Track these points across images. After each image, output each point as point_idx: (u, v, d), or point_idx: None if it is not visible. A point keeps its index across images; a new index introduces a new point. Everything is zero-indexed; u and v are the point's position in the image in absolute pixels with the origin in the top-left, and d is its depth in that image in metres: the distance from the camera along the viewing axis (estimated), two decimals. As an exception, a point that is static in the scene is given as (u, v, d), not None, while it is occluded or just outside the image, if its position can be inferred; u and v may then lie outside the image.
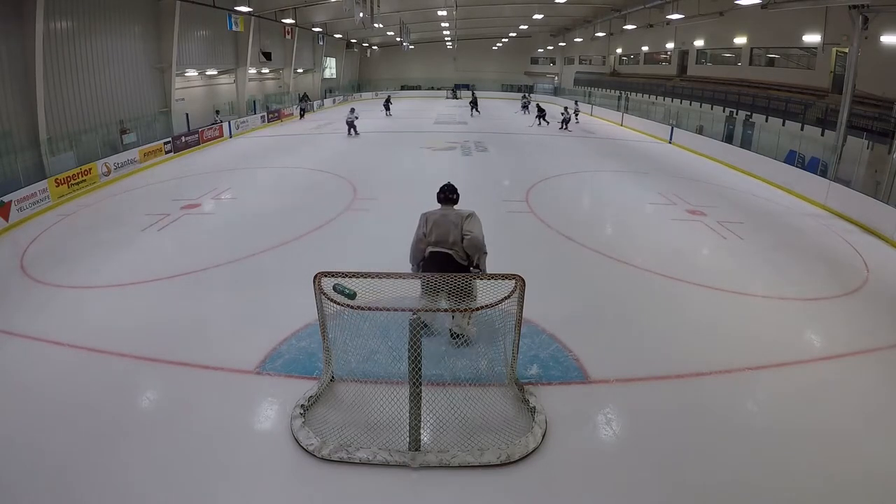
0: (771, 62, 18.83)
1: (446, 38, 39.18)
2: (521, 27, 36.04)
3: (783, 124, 15.07)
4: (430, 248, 4.83)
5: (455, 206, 5.05)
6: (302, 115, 27.77)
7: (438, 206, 5.06)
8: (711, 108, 19.59)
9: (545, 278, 6.68)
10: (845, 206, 10.31)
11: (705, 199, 11.26)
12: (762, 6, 14.83)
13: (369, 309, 4.16)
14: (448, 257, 4.73)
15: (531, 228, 9.12)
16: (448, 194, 5.01)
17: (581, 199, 11.64)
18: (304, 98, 31.01)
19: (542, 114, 24.06)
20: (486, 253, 4.89)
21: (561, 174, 13.47)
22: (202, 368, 4.91)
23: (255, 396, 4.55)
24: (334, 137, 20.44)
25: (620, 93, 27.60)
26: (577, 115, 24.62)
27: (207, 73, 22.11)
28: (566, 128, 22.80)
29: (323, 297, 4.06)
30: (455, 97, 40.35)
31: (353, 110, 20.74)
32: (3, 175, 10.69)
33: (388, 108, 28.23)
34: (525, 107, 29.76)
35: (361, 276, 3.99)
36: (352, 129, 20.09)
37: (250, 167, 14.79)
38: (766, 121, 15.89)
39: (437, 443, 3.89)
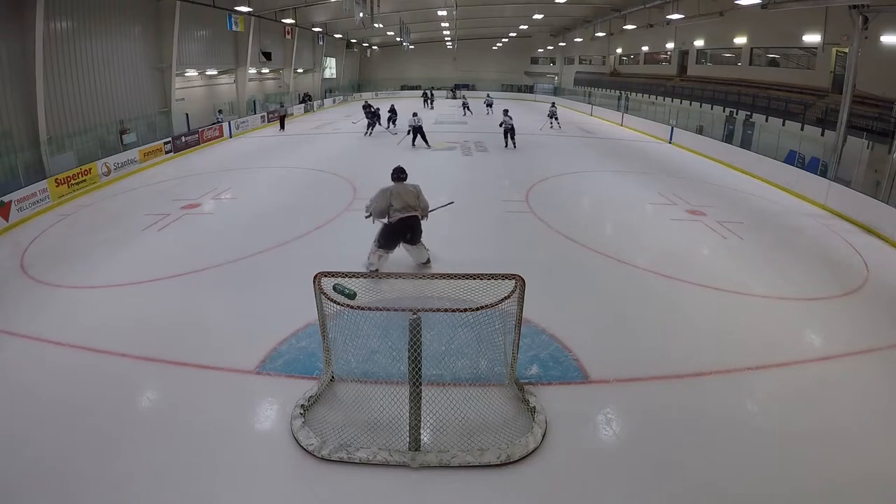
0: (771, 62, 18.83)
1: (446, 38, 39.16)
2: (521, 27, 36.02)
3: (783, 124, 15.06)
4: (399, 215, 6.45)
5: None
6: (282, 125, 23.03)
7: (392, 183, 6.67)
8: (711, 108, 19.57)
9: (545, 278, 6.69)
10: (845, 206, 10.31)
11: (705, 199, 11.26)
12: (762, 6, 14.81)
13: (369, 309, 4.17)
14: (415, 218, 6.61)
15: (531, 228, 9.12)
16: (400, 174, 6.69)
17: (581, 199, 11.64)
18: (304, 98, 30.80)
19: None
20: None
21: (561, 174, 13.47)
22: (202, 368, 4.91)
23: (255, 396, 4.56)
24: (334, 137, 20.44)
25: (620, 93, 27.58)
26: (553, 118, 22.52)
27: (207, 73, 22.11)
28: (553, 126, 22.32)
29: (323, 297, 4.07)
30: (454, 97, 40.36)
31: (415, 115, 17.80)
32: (3, 175, 10.69)
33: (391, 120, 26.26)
34: (488, 105, 29.45)
35: (361, 276, 4.00)
36: (418, 137, 17.39)
37: (250, 167, 14.78)
38: (766, 121, 15.88)
39: (437, 443, 3.89)
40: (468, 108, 29.63)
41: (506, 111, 18.27)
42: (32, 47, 11.91)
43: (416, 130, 17.41)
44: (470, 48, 42.92)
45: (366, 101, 20.60)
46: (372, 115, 20.28)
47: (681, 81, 24.06)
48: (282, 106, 25.08)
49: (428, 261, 7.01)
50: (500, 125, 17.65)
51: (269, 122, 24.55)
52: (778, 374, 4.94)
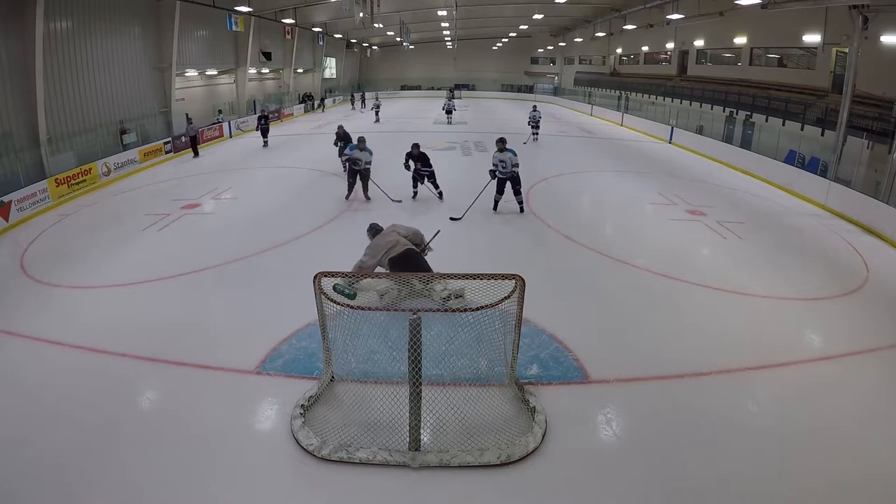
0: (771, 62, 18.82)
1: (446, 38, 39.16)
2: (521, 27, 36.07)
3: (783, 124, 15.06)
4: (391, 255, 5.85)
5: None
6: (195, 151, 16.62)
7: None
8: (711, 108, 19.57)
9: (545, 278, 6.69)
10: (845, 206, 10.31)
11: (705, 199, 11.25)
12: (762, 6, 14.81)
13: (369, 309, 4.17)
14: (405, 252, 5.92)
15: (531, 228, 9.12)
16: (375, 229, 6.42)
17: (581, 199, 11.64)
18: (304, 98, 30.67)
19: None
20: (424, 236, 6.45)
21: (561, 174, 13.47)
22: (202, 368, 4.91)
23: (255, 396, 4.55)
24: (334, 137, 20.39)
25: (620, 93, 27.57)
26: (535, 126, 18.68)
27: (207, 73, 22.12)
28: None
29: (323, 297, 4.07)
30: (453, 97, 40.48)
31: (360, 143, 10.37)
32: (3, 175, 10.69)
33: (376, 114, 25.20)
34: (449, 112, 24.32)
35: (362, 276, 3.99)
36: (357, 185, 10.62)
37: (250, 167, 14.79)
38: (766, 121, 15.88)
39: (437, 443, 3.89)
40: (378, 112, 25.55)
41: (414, 154, 10.29)
42: (32, 47, 11.90)
43: (354, 170, 10.39)
44: (470, 48, 42.92)
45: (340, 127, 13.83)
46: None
47: (681, 81, 24.06)
48: (190, 123, 16.80)
49: (456, 296, 5.76)
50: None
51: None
52: (778, 374, 4.94)
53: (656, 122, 21.44)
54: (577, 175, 13.59)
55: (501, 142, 9.63)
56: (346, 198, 10.68)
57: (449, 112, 24.37)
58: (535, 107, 20.28)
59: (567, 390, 4.63)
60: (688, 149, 17.98)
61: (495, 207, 9.86)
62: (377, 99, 29.13)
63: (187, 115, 17.72)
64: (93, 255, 7.96)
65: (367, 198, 10.68)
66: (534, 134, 18.88)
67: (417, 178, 10.59)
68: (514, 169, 9.44)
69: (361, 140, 10.34)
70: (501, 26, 37.02)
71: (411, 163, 10.34)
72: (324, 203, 10.55)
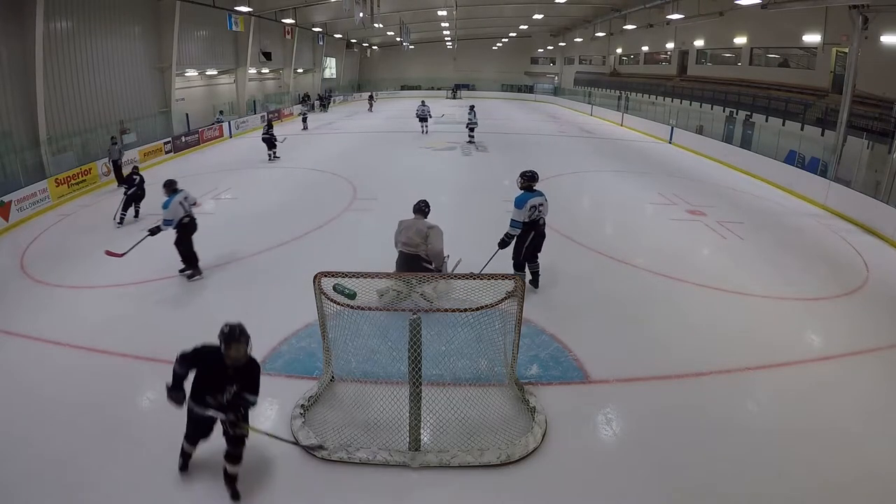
0: (771, 62, 18.83)
1: (446, 38, 39.18)
2: (521, 27, 36.06)
3: (783, 124, 15.06)
4: (400, 248, 6.01)
5: (425, 218, 6.16)
6: (119, 179, 12.24)
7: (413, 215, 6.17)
8: (711, 108, 19.57)
9: (545, 278, 6.68)
10: (845, 206, 10.31)
11: (705, 199, 11.25)
12: (762, 6, 14.82)
13: (369, 309, 4.17)
14: (415, 257, 5.88)
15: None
16: (421, 206, 6.21)
17: (581, 199, 11.63)
18: (303, 98, 30.53)
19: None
20: (446, 257, 6.28)
21: (561, 174, 13.46)
22: (202, 368, 4.90)
23: (255, 396, 4.55)
24: (334, 137, 20.43)
25: (620, 93, 27.56)
26: (471, 130, 17.50)
27: (207, 73, 22.12)
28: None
29: (323, 297, 4.07)
30: (455, 97, 40.55)
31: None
32: (3, 175, 10.70)
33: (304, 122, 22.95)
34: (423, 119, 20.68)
35: (361, 276, 3.99)
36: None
37: (250, 167, 14.78)
38: (766, 121, 15.88)
39: (437, 443, 3.89)
40: (305, 119, 23.17)
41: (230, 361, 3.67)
42: (32, 47, 11.91)
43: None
44: (470, 48, 42.94)
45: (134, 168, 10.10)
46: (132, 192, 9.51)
47: (681, 81, 24.06)
48: (114, 144, 12.77)
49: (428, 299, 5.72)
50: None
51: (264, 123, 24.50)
52: (778, 374, 4.94)
53: (656, 122, 21.44)
54: (577, 175, 13.59)
55: (522, 178, 6.21)
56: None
57: (423, 119, 19.92)
58: (472, 107, 17.70)
59: (567, 390, 4.63)
60: (688, 149, 17.98)
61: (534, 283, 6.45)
62: (304, 104, 26.25)
63: (112, 136, 13.42)
64: (93, 254, 7.92)
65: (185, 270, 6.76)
66: (470, 138, 17.47)
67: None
68: (508, 232, 6.16)
69: (166, 184, 6.91)
70: (501, 26, 37.02)
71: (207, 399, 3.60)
72: (324, 203, 10.54)
